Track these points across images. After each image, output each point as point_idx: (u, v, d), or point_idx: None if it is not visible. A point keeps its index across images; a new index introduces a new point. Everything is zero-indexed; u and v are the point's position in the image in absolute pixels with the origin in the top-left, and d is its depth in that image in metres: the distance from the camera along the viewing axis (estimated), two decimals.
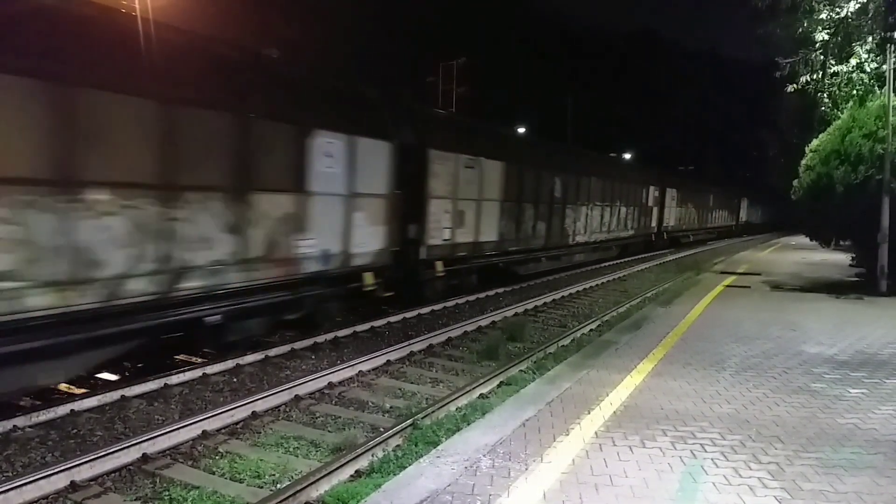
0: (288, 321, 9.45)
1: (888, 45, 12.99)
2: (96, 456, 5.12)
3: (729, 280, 15.66)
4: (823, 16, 13.43)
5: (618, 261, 24.28)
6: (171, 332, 7.73)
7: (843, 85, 15.80)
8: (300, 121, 9.09)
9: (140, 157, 6.95)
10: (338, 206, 9.85)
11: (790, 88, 15.97)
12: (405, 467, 4.57)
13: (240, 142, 8.09)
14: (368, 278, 10.55)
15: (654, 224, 30.00)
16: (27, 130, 5.93)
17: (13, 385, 6.11)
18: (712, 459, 4.39)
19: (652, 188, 29.37)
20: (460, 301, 13.55)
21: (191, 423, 5.93)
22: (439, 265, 12.80)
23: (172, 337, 7.89)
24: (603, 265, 22.67)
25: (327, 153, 9.46)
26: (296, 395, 7.08)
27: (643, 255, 27.29)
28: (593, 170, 22.64)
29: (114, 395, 6.81)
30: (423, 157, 12.32)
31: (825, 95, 16.85)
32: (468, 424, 5.48)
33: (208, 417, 6.11)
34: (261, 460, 5.42)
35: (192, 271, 7.51)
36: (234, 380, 7.82)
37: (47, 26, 6.20)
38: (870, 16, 12.46)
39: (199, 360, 8.48)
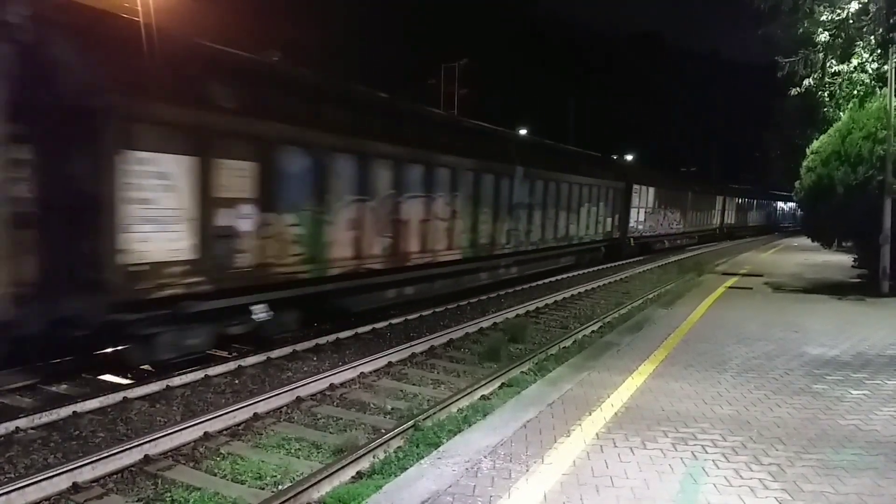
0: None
1: (889, 45, 12.98)
2: (98, 457, 5.14)
3: (731, 281, 15.65)
4: (825, 17, 13.41)
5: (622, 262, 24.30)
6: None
7: (844, 85, 15.80)
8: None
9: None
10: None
11: (794, 92, 15.96)
12: (406, 468, 4.57)
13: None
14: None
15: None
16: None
17: None
18: (713, 461, 4.40)
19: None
20: (462, 302, 13.58)
21: (193, 425, 5.95)
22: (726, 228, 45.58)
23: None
24: (603, 267, 22.69)
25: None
26: (297, 397, 7.09)
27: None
28: None
29: (116, 397, 6.83)
30: (724, 200, 44.61)
31: (826, 94, 16.85)
32: (469, 426, 5.48)
33: (210, 419, 6.13)
34: (262, 461, 5.43)
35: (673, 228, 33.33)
36: (236, 381, 7.84)
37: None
38: (870, 16, 12.43)
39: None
